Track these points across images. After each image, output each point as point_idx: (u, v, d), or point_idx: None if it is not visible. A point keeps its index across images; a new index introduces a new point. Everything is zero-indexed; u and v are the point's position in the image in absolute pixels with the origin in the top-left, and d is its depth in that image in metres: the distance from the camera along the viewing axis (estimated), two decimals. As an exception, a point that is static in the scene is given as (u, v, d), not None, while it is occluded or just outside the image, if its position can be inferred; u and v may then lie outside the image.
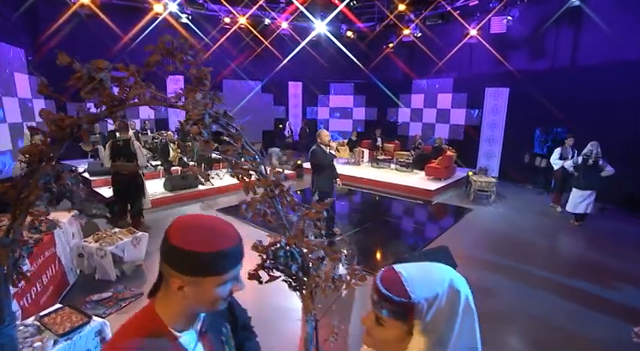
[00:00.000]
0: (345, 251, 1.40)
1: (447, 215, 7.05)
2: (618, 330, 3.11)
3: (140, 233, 4.20)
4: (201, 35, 10.91)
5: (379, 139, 11.99)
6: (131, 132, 5.27)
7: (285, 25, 11.74)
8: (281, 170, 1.33)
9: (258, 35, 11.76)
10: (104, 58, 1.32)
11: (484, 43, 9.89)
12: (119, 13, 9.74)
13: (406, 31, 11.00)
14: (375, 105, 14.04)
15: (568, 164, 6.32)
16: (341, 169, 5.28)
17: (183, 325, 0.80)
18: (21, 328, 2.18)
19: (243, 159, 1.26)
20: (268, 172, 1.31)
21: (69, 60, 1.23)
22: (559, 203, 6.98)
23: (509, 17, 9.07)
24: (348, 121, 14.61)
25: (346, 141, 12.29)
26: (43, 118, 1.39)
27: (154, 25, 9.71)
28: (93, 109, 1.44)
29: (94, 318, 2.41)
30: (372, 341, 0.77)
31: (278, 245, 1.30)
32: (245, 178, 1.29)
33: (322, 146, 4.72)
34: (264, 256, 1.33)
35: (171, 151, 8.33)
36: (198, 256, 0.71)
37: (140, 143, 5.57)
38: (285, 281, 1.39)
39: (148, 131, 10.32)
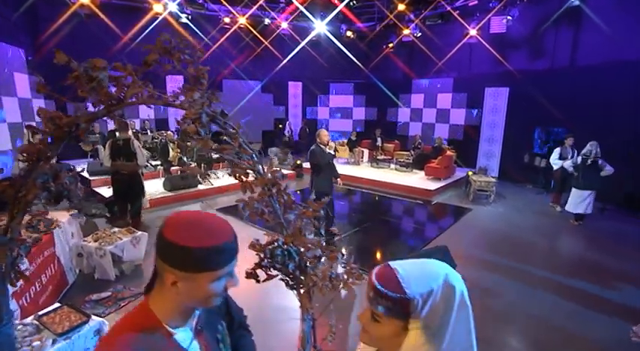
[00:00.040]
0: (345, 251, 1.40)
1: (447, 215, 7.05)
2: (618, 330, 3.11)
3: (139, 233, 4.20)
4: (201, 35, 10.91)
5: (379, 139, 11.99)
6: (130, 132, 5.28)
7: (284, 25, 11.74)
8: (278, 169, 1.33)
9: (258, 35, 11.76)
10: (104, 58, 1.32)
11: (484, 43, 9.89)
12: (119, 13, 9.75)
13: (406, 31, 11.00)
14: (375, 105, 14.04)
15: (567, 164, 6.32)
16: (341, 169, 5.28)
17: (178, 321, 0.80)
18: (20, 327, 2.18)
19: (240, 158, 1.26)
20: (265, 170, 1.31)
21: (66, 59, 1.24)
22: (558, 203, 6.98)
23: (508, 17, 9.07)
24: (347, 121, 14.61)
25: (346, 141, 12.30)
26: (40, 117, 1.40)
27: (154, 25, 9.71)
28: (92, 109, 1.44)
29: (93, 317, 2.41)
30: (369, 338, 0.77)
31: (275, 244, 1.30)
32: (243, 177, 1.29)
33: (321, 146, 4.71)
34: (262, 255, 1.33)
35: (170, 151, 8.33)
36: (192, 251, 0.71)
37: (140, 143, 5.57)
38: (283, 280, 1.39)
39: (148, 131, 10.32)
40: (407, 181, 8.83)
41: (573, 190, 6.00)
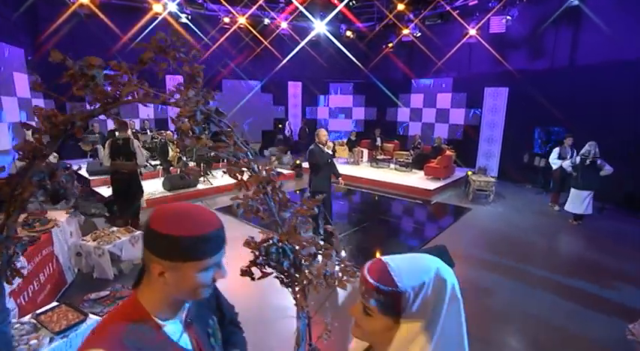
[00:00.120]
0: (340, 250, 1.41)
1: (446, 215, 7.05)
2: (617, 330, 3.10)
3: (138, 232, 4.21)
4: (201, 35, 10.92)
5: (378, 139, 11.99)
6: (129, 131, 5.28)
7: (284, 25, 11.75)
8: (273, 168, 1.33)
9: (258, 35, 11.77)
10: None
11: (483, 42, 9.89)
12: (118, 13, 9.76)
13: (405, 31, 11.00)
14: (375, 105, 14.04)
15: (566, 164, 6.32)
16: (340, 168, 5.28)
17: (167, 314, 0.80)
18: (17, 325, 2.18)
19: (235, 156, 1.26)
20: (260, 168, 1.31)
21: (61, 57, 1.24)
22: (557, 202, 6.98)
23: (508, 17, 9.07)
24: (347, 120, 14.62)
25: (345, 141, 12.30)
26: (36, 115, 1.40)
27: (154, 25, 9.72)
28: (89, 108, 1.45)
29: (91, 316, 2.42)
30: (361, 332, 0.78)
31: (270, 242, 1.30)
32: (238, 174, 1.29)
33: (320, 146, 4.72)
34: (257, 253, 1.33)
35: (170, 150, 8.34)
36: (178, 240, 0.71)
37: (139, 143, 5.58)
38: (278, 278, 1.40)
39: (148, 131, 10.33)
40: (406, 181, 8.83)
41: (572, 190, 6.00)
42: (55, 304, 2.50)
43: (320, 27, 11.71)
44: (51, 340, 2.13)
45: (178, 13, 9.96)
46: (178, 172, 7.99)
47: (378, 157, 11.00)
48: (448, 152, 9.47)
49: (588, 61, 7.97)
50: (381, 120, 13.70)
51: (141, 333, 0.73)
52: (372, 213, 7.10)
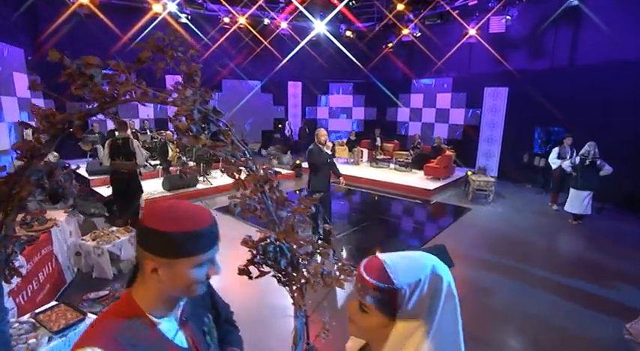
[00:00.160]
0: (337, 248, 1.41)
1: (446, 214, 7.05)
2: (617, 330, 3.09)
3: (137, 232, 4.21)
4: (201, 35, 10.92)
5: (378, 139, 11.99)
6: (129, 131, 5.29)
7: (284, 25, 11.75)
8: (270, 167, 1.33)
9: (258, 35, 11.77)
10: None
11: (483, 42, 9.89)
12: (118, 13, 9.77)
13: (405, 31, 11.00)
14: (375, 105, 14.05)
15: (566, 165, 6.32)
16: (340, 168, 5.29)
17: (162, 311, 0.80)
18: (16, 325, 2.18)
19: (232, 155, 1.26)
20: (257, 167, 1.31)
21: (59, 56, 1.24)
22: (556, 202, 6.98)
23: (508, 17, 9.07)
24: (347, 120, 14.62)
25: (345, 141, 12.30)
26: (34, 114, 1.40)
27: (153, 25, 9.73)
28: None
29: (90, 315, 2.42)
30: (357, 329, 0.78)
31: (268, 240, 1.30)
32: (235, 173, 1.29)
33: (319, 145, 4.72)
34: (254, 252, 1.33)
35: (170, 150, 8.34)
36: (171, 236, 0.71)
37: (139, 143, 5.59)
38: (275, 276, 1.40)
39: (147, 131, 10.33)
40: (406, 181, 8.83)
41: (572, 190, 6.00)
42: (54, 303, 2.50)
43: (320, 27, 11.71)
44: (49, 340, 2.13)
45: (178, 13, 9.97)
46: (178, 171, 8.00)
47: (377, 157, 11.01)
48: (448, 152, 9.47)
49: (588, 61, 7.97)
50: (381, 120, 13.71)
51: (135, 330, 0.73)
52: (371, 213, 7.11)
